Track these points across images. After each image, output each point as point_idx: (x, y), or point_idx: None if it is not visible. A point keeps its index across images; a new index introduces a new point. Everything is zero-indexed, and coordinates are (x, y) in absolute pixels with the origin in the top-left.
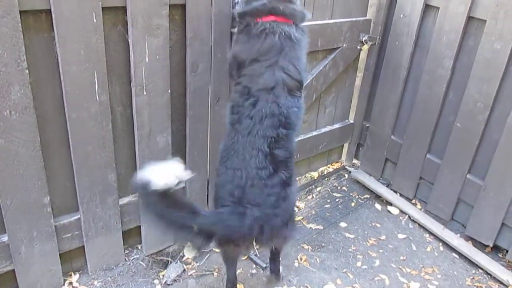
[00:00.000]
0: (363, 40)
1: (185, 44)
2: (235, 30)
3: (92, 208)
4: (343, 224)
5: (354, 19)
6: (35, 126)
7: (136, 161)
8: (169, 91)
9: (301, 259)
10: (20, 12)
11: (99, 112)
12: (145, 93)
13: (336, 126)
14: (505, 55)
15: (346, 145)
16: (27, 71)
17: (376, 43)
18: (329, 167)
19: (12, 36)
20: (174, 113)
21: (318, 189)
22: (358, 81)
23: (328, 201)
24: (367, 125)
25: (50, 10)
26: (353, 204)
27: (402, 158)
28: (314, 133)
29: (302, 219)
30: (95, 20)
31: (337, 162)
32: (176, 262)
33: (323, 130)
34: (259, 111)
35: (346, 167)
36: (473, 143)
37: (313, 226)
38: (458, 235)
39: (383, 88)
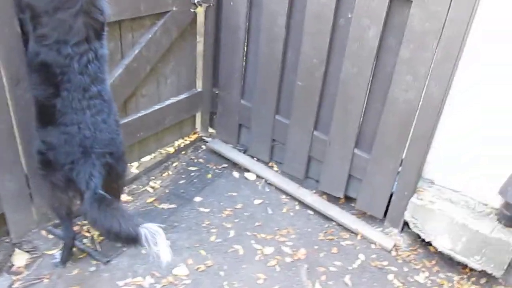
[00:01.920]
0: (196, 2)
1: None
2: None
3: None
4: (198, 199)
5: None
6: None
7: None
8: None
9: None
10: None
11: None
12: None
13: (182, 96)
14: (331, 8)
15: (198, 115)
16: None
17: (212, 4)
18: (185, 140)
19: None
20: None
21: (174, 164)
22: (200, 47)
23: (183, 176)
24: (217, 92)
25: None
26: (209, 176)
27: (253, 122)
28: (157, 106)
29: (154, 200)
30: None
31: (194, 134)
32: (2, 276)
33: (167, 102)
34: (86, 66)
35: (203, 137)
36: (314, 100)
37: (165, 206)
38: (314, 191)
39: (226, 52)
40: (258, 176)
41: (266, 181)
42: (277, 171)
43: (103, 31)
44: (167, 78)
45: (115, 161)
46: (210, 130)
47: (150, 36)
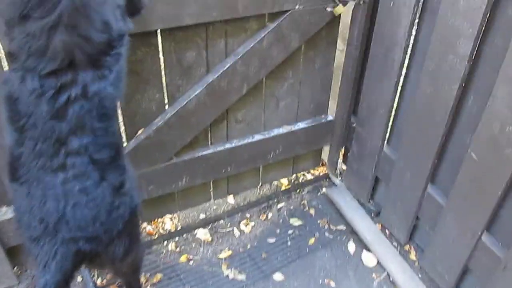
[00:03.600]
0: None
1: None
2: None
3: None
4: (278, 277)
5: None
6: None
7: None
8: None
9: None
10: None
11: None
12: None
13: (303, 125)
14: None
15: (327, 148)
16: None
17: (362, 2)
18: (307, 173)
19: None
20: None
21: (279, 205)
22: (340, 58)
23: (278, 231)
24: (354, 124)
25: None
26: (311, 241)
27: (394, 182)
28: (259, 137)
29: (227, 256)
30: None
31: (322, 166)
32: None
33: (277, 131)
34: (64, 108)
35: (330, 176)
36: (495, 190)
37: (232, 274)
38: None
39: (372, 74)
40: (379, 264)
41: (389, 276)
42: (414, 261)
43: (106, 55)
44: (279, 100)
45: (101, 246)
46: (344, 166)
47: (252, 45)
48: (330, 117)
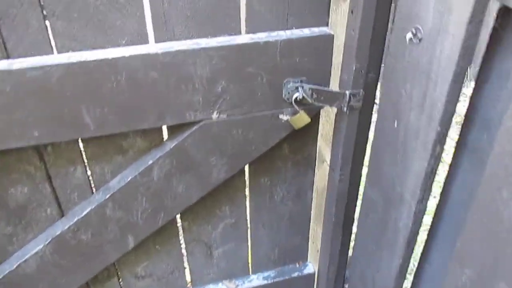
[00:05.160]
0: (296, 98)
1: None
2: None
3: None
4: None
5: (254, 37)
6: None
7: None
8: None
9: None
10: None
11: None
12: None
13: (259, 281)
14: None
15: None
16: None
17: (346, 107)
18: None
19: None
20: None
21: None
22: (321, 182)
23: None
24: (346, 286)
25: None
26: None
27: None
28: None
29: None
30: None
31: None
32: None
33: None
34: None
35: None
36: None
37: None
38: None
39: (365, 232)
40: None
41: None
42: None
43: None
44: (211, 247)
45: None
46: None
47: (133, 176)
48: (310, 268)
